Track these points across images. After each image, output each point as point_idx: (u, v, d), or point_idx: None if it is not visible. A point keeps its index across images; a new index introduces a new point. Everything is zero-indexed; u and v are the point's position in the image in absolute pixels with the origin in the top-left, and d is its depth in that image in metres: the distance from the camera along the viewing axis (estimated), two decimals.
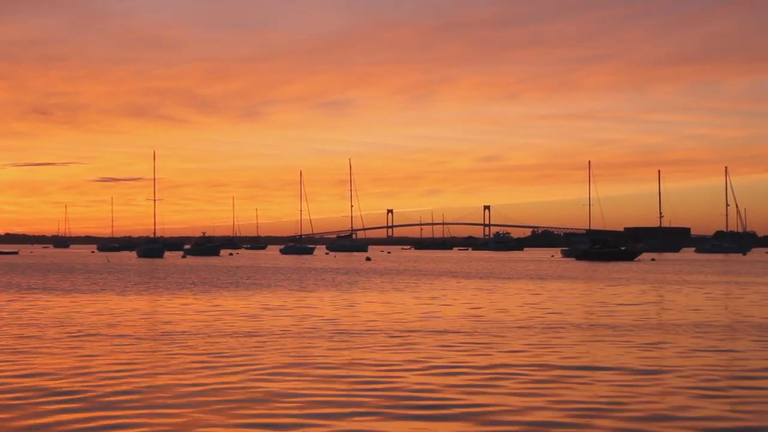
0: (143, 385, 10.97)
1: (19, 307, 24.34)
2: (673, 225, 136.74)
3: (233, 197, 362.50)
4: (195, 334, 16.85)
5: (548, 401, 9.90)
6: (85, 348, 14.76)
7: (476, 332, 17.31)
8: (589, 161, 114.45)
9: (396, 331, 17.57)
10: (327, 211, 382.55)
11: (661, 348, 14.89)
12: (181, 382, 11.13)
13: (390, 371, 12.08)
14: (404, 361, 13.12)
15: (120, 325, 18.72)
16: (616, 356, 13.71)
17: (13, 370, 12.20)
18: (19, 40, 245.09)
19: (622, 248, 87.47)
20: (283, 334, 17.04)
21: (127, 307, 24.07)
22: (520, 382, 11.16)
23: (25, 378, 11.52)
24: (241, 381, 11.26)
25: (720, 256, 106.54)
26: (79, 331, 17.62)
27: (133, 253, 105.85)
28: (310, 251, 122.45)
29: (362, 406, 9.58)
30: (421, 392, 10.45)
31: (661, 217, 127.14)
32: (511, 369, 12.28)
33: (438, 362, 12.99)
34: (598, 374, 11.83)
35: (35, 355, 13.83)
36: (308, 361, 13.07)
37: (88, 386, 10.84)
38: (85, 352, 14.18)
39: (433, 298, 28.33)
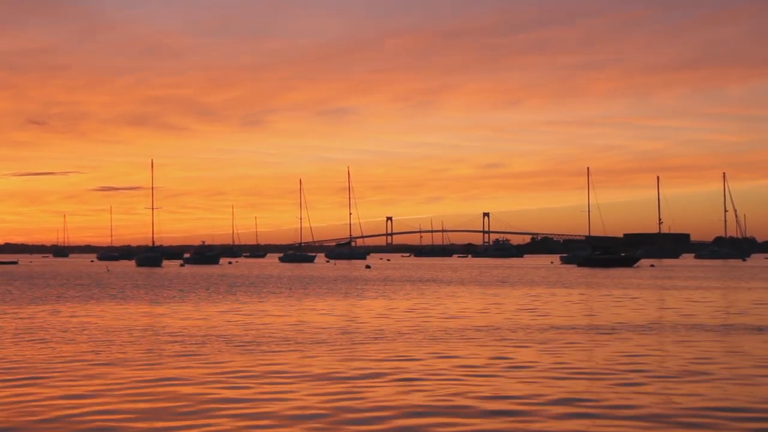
0: None
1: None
2: (672, 231, 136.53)
3: (233, 206, 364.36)
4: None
5: None
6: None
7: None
8: (588, 167, 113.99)
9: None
10: (327, 219, 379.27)
11: None
12: None
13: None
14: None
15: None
16: None
17: None
18: (21, 50, 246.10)
19: (622, 254, 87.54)
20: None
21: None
22: None
23: None
24: None
25: (719, 262, 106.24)
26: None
27: (132, 262, 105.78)
28: (310, 259, 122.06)
29: None
30: None
31: (660, 223, 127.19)
32: None
33: None
34: None
35: None
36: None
37: None
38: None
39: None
